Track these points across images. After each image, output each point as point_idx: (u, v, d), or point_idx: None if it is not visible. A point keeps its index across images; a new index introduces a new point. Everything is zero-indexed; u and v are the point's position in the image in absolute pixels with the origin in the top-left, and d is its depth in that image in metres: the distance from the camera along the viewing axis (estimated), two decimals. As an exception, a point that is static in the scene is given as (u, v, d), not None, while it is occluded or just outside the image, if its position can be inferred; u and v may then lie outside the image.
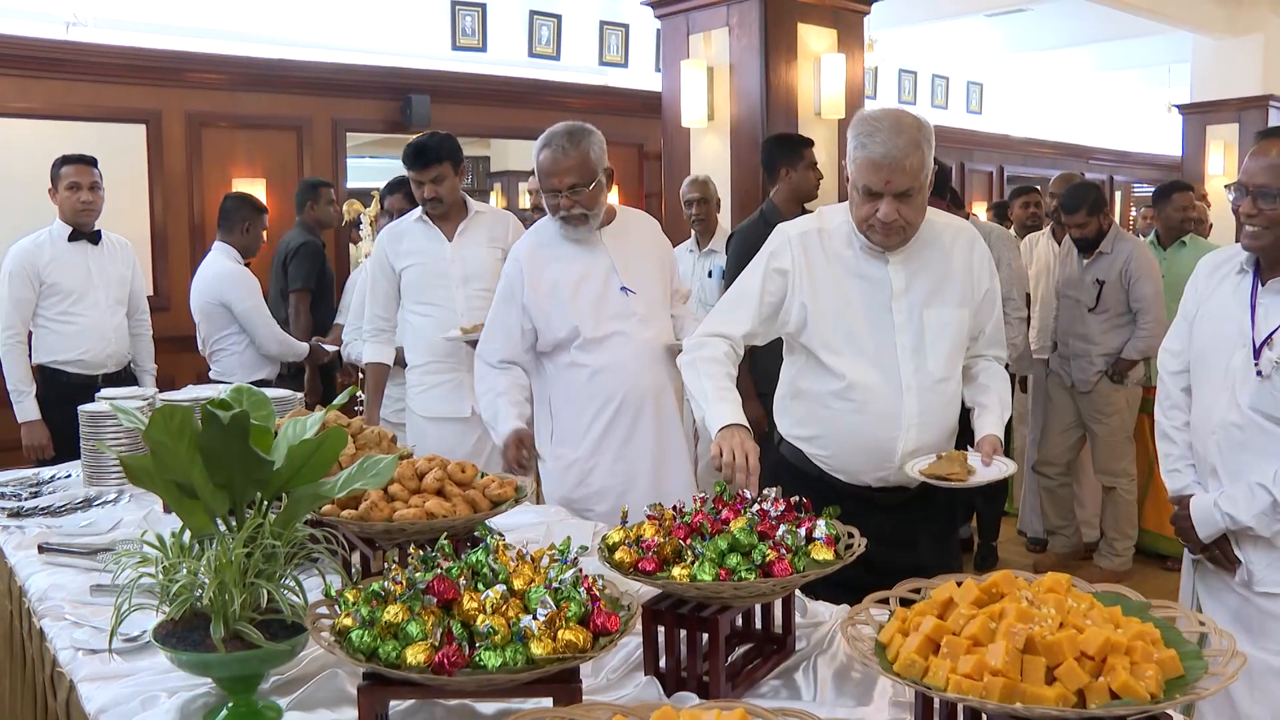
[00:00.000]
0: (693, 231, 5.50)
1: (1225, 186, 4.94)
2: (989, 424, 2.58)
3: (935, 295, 2.57)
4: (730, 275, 4.78)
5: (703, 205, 5.40)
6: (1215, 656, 1.52)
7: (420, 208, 4.01)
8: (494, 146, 12.35)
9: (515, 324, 3.23)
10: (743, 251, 4.69)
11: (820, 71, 5.72)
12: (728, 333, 2.63)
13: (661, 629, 1.86)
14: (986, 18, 11.42)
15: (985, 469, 2.42)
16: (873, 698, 1.82)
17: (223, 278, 5.13)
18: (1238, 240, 2.74)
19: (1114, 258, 5.37)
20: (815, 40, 5.75)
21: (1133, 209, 15.36)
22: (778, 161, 4.83)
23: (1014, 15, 11.19)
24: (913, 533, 2.64)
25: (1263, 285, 2.58)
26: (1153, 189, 11.35)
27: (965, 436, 2.60)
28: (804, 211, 4.78)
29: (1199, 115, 10.95)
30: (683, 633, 1.84)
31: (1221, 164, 10.70)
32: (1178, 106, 11.35)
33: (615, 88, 9.62)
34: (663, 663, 1.88)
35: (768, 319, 2.61)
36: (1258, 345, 2.54)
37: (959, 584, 1.60)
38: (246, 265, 5.25)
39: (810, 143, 4.90)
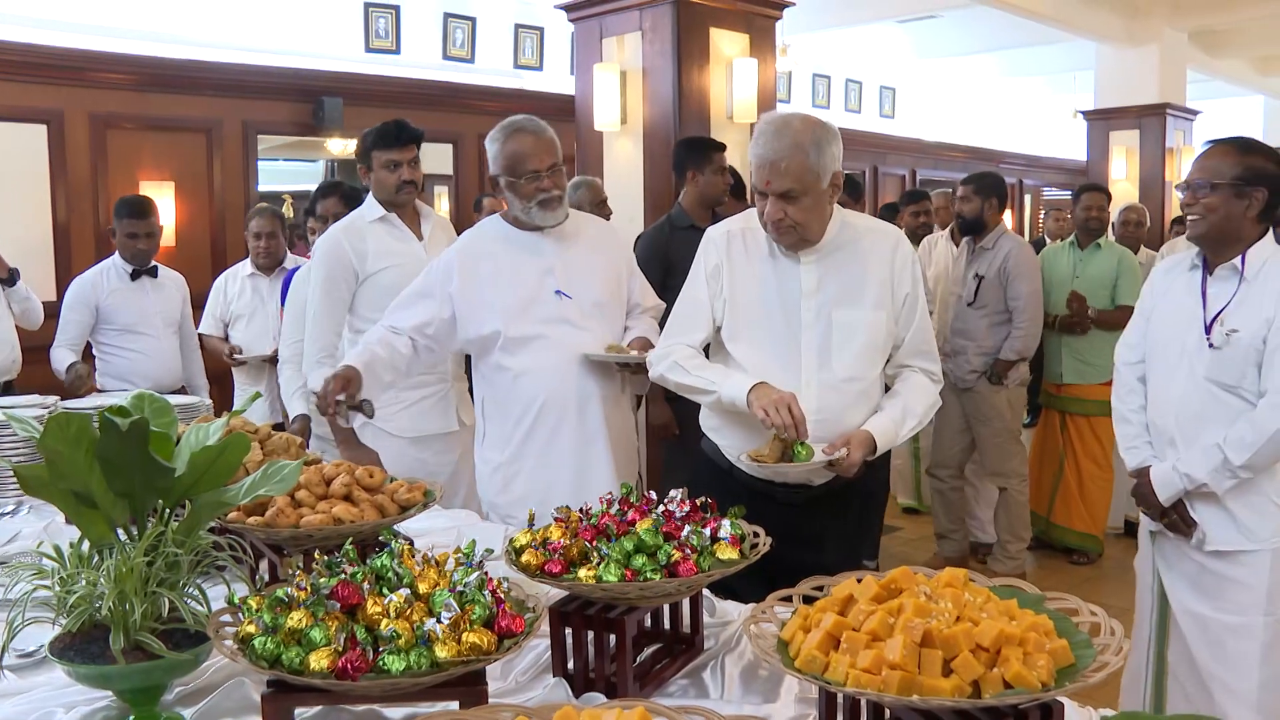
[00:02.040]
0: None
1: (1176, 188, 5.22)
2: (870, 422, 2.61)
3: (847, 297, 2.62)
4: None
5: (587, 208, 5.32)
6: (1106, 644, 1.57)
7: (363, 207, 3.86)
8: (409, 149, 12.24)
9: (435, 308, 3.14)
10: (647, 255, 4.69)
11: (732, 76, 5.77)
12: (687, 342, 2.73)
13: (569, 630, 1.87)
14: (898, 23, 11.62)
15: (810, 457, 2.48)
16: (779, 694, 1.84)
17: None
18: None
19: (995, 253, 5.52)
20: (728, 45, 5.80)
21: (1041, 211, 15.71)
22: (686, 165, 4.80)
23: (925, 21, 11.40)
24: (817, 531, 2.68)
25: (1210, 275, 2.96)
26: (1063, 192, 11.62)
27: None
28: (713, 215, 4.82)
29: (1102, 121, 11.24)
30: (590, 634, 1.85)
31: (1124, 169, 11.00)
32: (1082, 112, 11.62)
33: (530, 91, 9.60)
34: (571, 664, 1.88)
35: (714, 320, 2.72)
36: (1208, 323, 2.90)
37: (859, 581, 1.63)
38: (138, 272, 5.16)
39: (720, 146, 4.89)
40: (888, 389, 2.75)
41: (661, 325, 3.02)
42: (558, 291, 3.14)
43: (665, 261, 4.70)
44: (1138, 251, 6.59)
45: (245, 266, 5.69)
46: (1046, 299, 6.01)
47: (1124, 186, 10.90)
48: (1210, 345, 2.88)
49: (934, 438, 5.94)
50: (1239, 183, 2.87)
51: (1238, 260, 2.90)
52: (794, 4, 6.18)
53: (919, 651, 1.45)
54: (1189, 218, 2.94)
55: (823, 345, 2.61)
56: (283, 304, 5.15)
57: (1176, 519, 2.98)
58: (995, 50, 12.51)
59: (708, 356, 2.77)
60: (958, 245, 5.94)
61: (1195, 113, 11.45)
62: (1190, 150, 11.28)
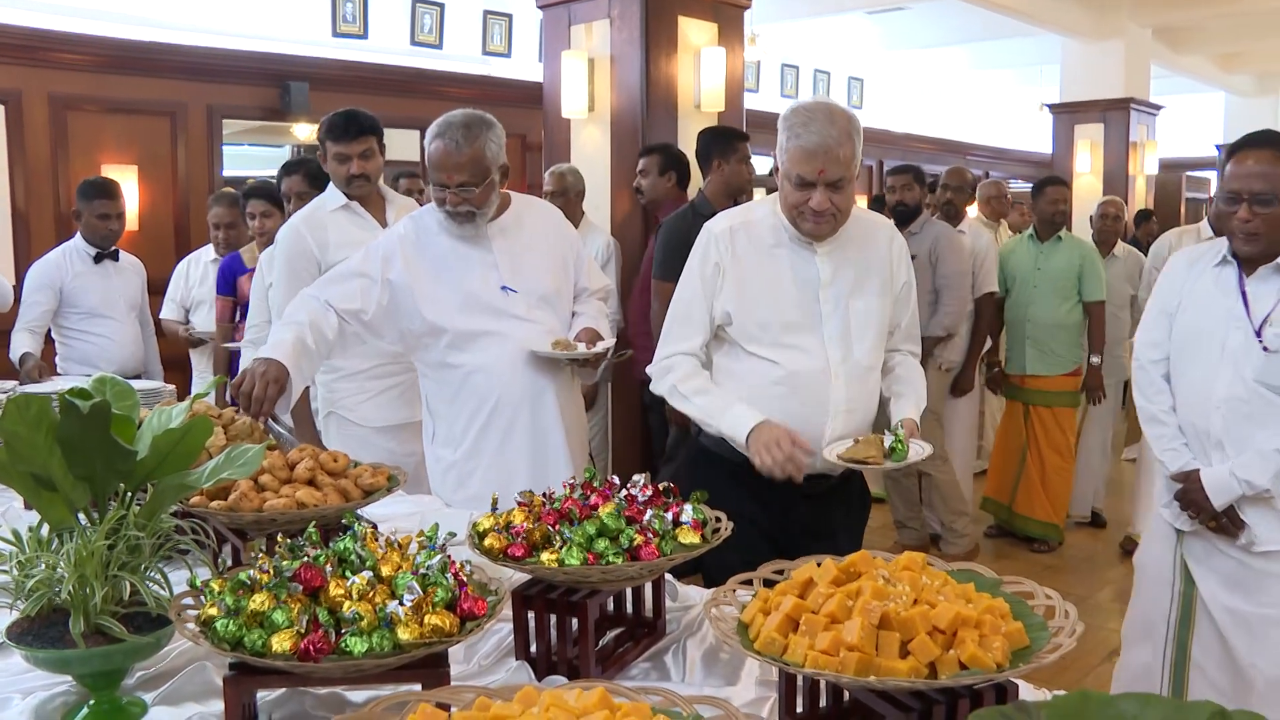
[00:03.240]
0: None
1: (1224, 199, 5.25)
2: (905, 409, 2.66)
3: (860, 286, 2.65)
4: (660, 265, 4.79)
5: (559, 197, 5.32)
6: (1060, 627, 1.59)
7: (325, 195, 3.80)
8: (376, 135, 12.18)
9: (374, 292, 3.01)
10: (671, 243, 4.74)
11: (700, 65, 5.77)
12: (687, 349, 2.70)
13: (532, 614, 1.88)
14: (867, 14, 11.67)
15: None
16: (740, 677, 1.85)
17: None
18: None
19: (922, 238, 5.62)
20: (696, 33, 5.80)
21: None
22: (711, 153, 4.85)
23: (893, 13, 11.45)
24: (830, 524, 2.71)
25: (1248, 275, 2.85)
26: (1027, 185, 11.72)
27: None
28: (736, 204, 4.84)
29: (1068, 115, 11.33)
30: (553, 617, 1.86)
31: (1088, 162, 11.10)
32: (1048, 106, 11.72)
33: (498, 78, 9.58)
34: (534, 648, 1.90)
35: (713, 320, 2.69)
36: (1258, 325, 2.80)
37: (819, 564, 1.65)
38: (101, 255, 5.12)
39: (745, 137, 4.95)
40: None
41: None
42: (504, 287, 3.07)
43: (689, 248, 4.72)
44: (1115, 245, 6.65)
45: (208, 252, 5.67)
46: (1008, 293, 6.08)
47: (1088, 180, 11.01)
48: (1265, 348, 2.78)
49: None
50: None
51: None
52: (763, -7, 6.20)
53: (876, 633, 1.47)
54: (1245, 231, 2.78)
55: (844, 335, 2.63)
56: (219, 292, 5.13)
57: (1225, 522, 2.89)
58: (963, 43, 12.60)
59: (708, 359, 2.75)
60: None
61: (1158, 107, 11.57)
62: (1153, 144, 11.41)
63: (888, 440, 2.48)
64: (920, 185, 5.77)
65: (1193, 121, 16.35)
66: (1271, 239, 2.77)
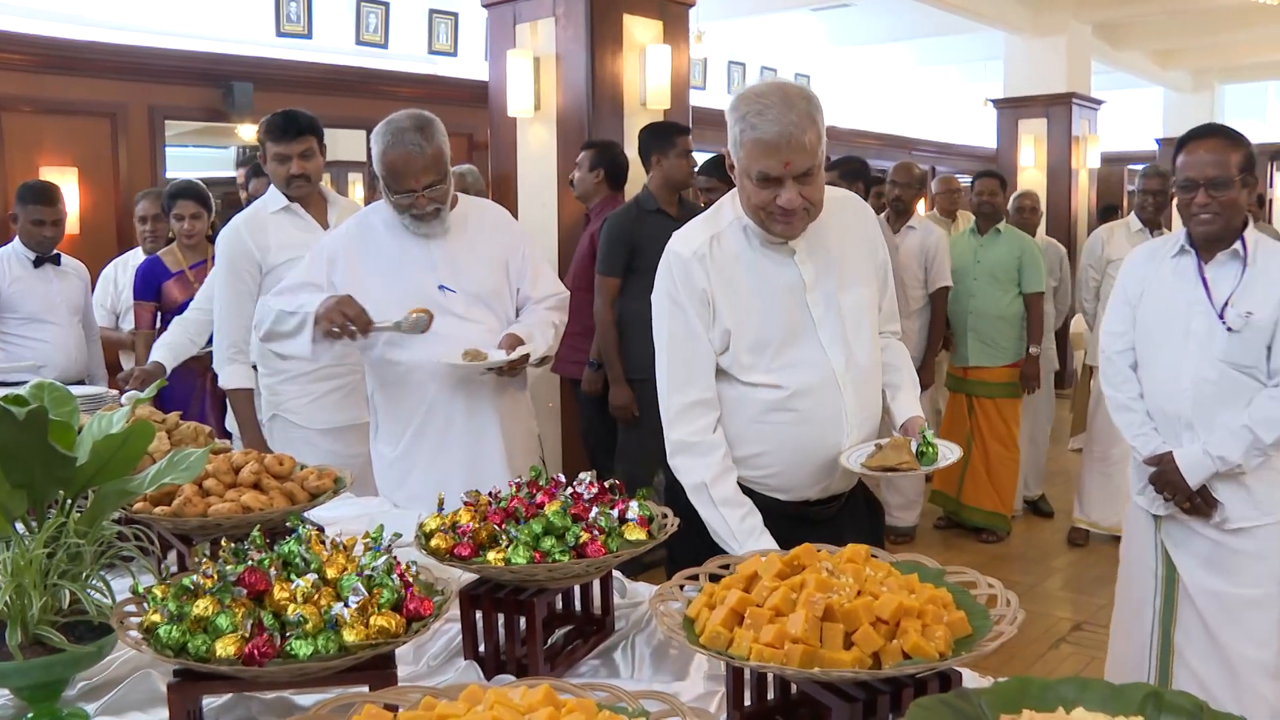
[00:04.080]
0: None
1: (1144, 190, 5.32)
2: (908, 404, 2.48)
3: (847, 278, 2.39)
4: (602, 260, 4.80)
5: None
6: (1002, 615, 1.62)
7: (266, 196, 3.76)
8: (322, 136, 12.09)
9: (321, 298, 3.01)
10: (613, 237, 4.76)
11: (646, 62, 5.78)
12: (699, 397, 2.35)
13: (479, 613, 1.88)
14: (813, 11, 11.71)
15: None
16: (689, 672, 1.87)
17: None
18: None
19: None
20: (641, 31, 5.81)
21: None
22: (650, 150, 4.86)
23: (839, 9, 11.51)
24: (841, 543, 2.48)
25: (1205, 262, 3.00)
26: (967, 178, 11.86)
27: None
28: (680, 199, 4.84)
29: (1011, 110, 11.44)
30: (500, 616, 1.86)
31: (1032, 156, 11.22)
32: (992, 101, 11.83)
33: (444, 77, 9.52)
34: (482, 647, 1.90)
35: (714, 357, 2.36)
36: (1219, 308, 2.95)
37: (763, 558, 1.66)
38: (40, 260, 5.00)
39: (684, 130, 4.94)
40: None
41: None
42: (441, 286, 3.07)
43: (631, 245, 4.77)
44: (1034, 236, 6.75)
45: (135, 255, 5.47)
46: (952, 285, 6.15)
47: (1032, 174, 11.14)
48: (1228, 329, 2.92)
49: None
50: (1243, 173, 2.93)
51: (1238, 246, 2.96)
52: (707, -9, 6.22)
53: (821, 625, 1.48)
54: (1203, 216, 2.94)
55: (841, 337, 2.35)
56: (135, 296, 4.98)
57: (1200, 501, 3.01)
58: (907, 39, 12.69)
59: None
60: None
61: (1100, 102, 11.72)
62: (1095, 139, 11.56)
63: (914, 444, 2.26)
64: (848, 181, 5.74)
65: (1133, 116, 16.62)
66: (1228, 219, 2.93)
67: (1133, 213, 5.97)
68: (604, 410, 4.98)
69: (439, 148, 2.98)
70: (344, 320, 2.87)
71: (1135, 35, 13.00)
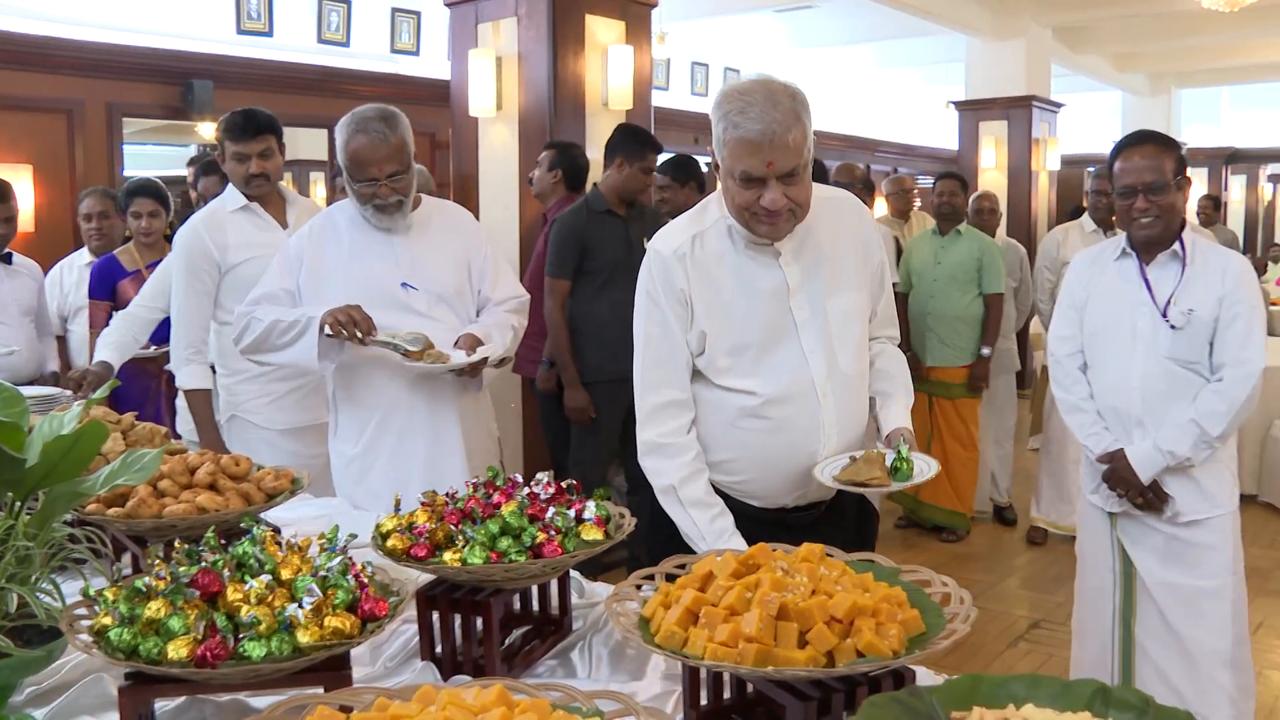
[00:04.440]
0: None
1: (1096, 191, 5.41)
2: (896, 415, 2.38)
3: (835, 282, 2.31)
4: (552, 261, 4.76)
5: None
6: (956, 613, 1.63)
7: (224, 195, 3.72)
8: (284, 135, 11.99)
9: (288, 299, 3.08)
10: (564, 237, 4.72)
11: (608, 63, 5.78)
12: (675, 397, 2.32)
13: (436, 614, 1.87)
14: (775, 13, 11.77)
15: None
16: (646, 672, 1.87)
17: None
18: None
19: None
20: (603, 32, 5.81)
21: (916, 201, 16.08)
22: (619, 152, 4.79)
23: (801, 11, 11.56)
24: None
25: (1147, 264, 3.10)
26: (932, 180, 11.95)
27: None
28: (623, 205, 4.82)
29: (973, 112, 11.54)
30: (457, 617, 1.86)
31: (993, 158, 11.32)
32: (954, 103, 11.92)
33: (407, 76, 9.49)
34: (439, 648, 1.89)
35: (689, 357, 2.33)
36: (1163, 308, 3.04)
37: (719, 558, 1.67)
38: None
39: (658, 148, 4.86)
40: None
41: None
42: (404, 284, 3.08)
43: (583, 244, 4.74)
44: (993, 237, 6.80)
45: (82, 255, 5.32)
46: (912, 287, 6.19)
47: (993, 175, 11.24)
48: (1172, 326, 3.01)
49: None
50: (1178, 176, 3.03)
51: (1177, 247, 3.06)
52: (670, -9, 6.22)
53: (775, 624, 1.49)
54: (1143, 220, 3.02)
55: (825, 344, 2.28)
56: (91, 295, 4.87)
57: (1152, 496, 3.09)
58: (870, 41, 12.76)
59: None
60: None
61: (1059, 105, 11.84)
62: (1055, 141, 11.68)
63: (889, 457, 2.19)
64: (681, 183, 5.82)
65: (1092, 119, 16.80)
66: (1167, 222, 3.02)
67: (1086, 214, 6.03)
68: (562, 409, 4.98)
69: (402, 138, 3.00)
70: (350, 320, 2.88)
71: (1094, 39, 13.15)
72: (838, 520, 2.44)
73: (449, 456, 3.13)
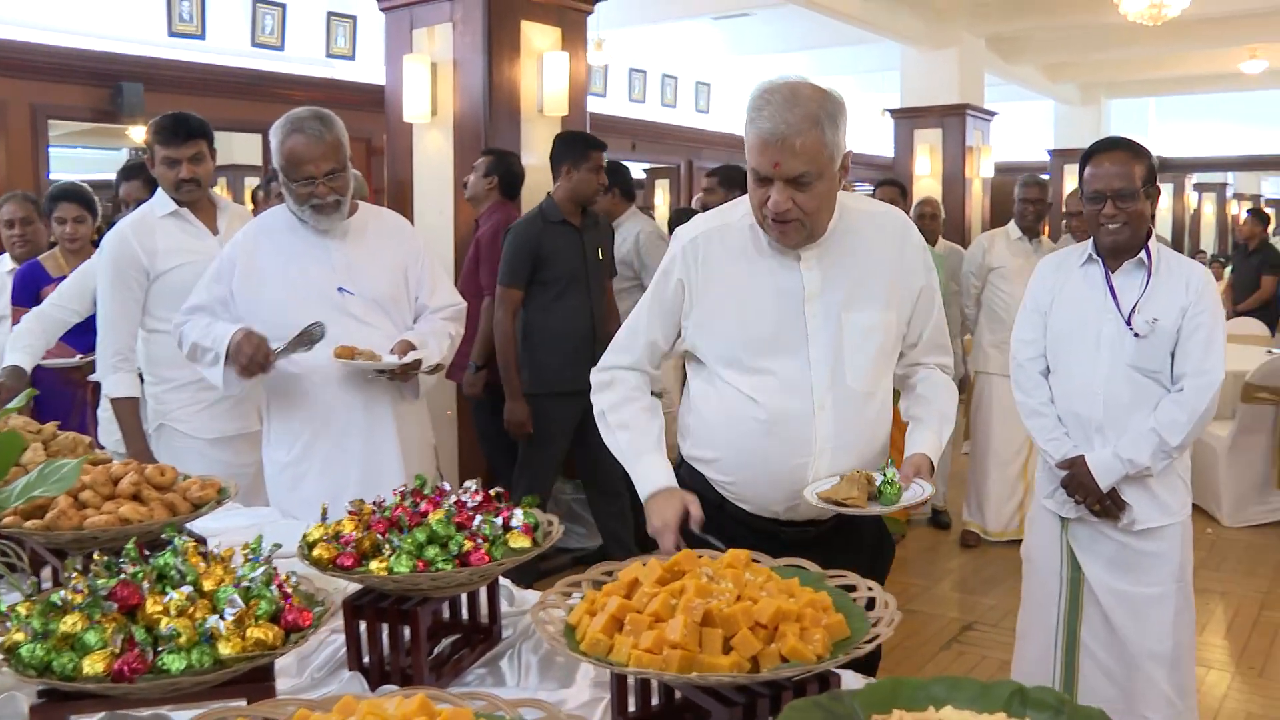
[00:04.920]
0: None
1: (1025, 200, 5.48)
2: (919, 441, 2.31)
3: (856, 296, 2.23)
4: (505, 271, 4.74)
5: None
6: (880, 617, 1.65)
7: (154, 200, 3.65)
8: (218, 139, 11.83)
9: (222, 305, 3.07)
10: (517, 247, 4.70)
11: (543, 69, 5.77)
12: (629, 363, 2.37)
13: (363, 624, 1.86)
14: (713, 20, 11.83)
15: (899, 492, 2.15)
16: (575, 680, 1.87)
17: None
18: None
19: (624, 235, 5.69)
20: (539, 38, 5.80)
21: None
22: (563, 159, 4.79)
23: (738, 19, 11.63)
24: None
25: (1112, 271, 3.08)
26: (871, 188, 12.09)
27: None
28: (584, 212, 4.82)
29: (908, 120, 11.68)
30: (385, 626, 1.84)
31: (927, 165, 11.46)
32: (889, 111, 12.05)
33: (343, 81, 9.43)
34: (367, 658, 1.88)
35: (667, 338, 2.35)
36: (1127, 315, 3.03)
37: (644, 564, 1.67)
38: None
39: (599, 145, 4.87)
40: (896, 393, 2.43)
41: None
42: (341, 289, 3.07)
43: (536, 254, 4.72)
44: (935, 244, 6.88)
45: (4, 261, 5.13)
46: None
47: (928, 182, 11.37)
48: (1136, 335, 3.01)
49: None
50: (1147, 184, 3.02)
51: (1143, 255, 3.05)
52: (605, -2, 6.24)
53: (700, 631, 1.50)
54: (1111, 226, 3.02)
55: (834, 356, 2.21)
56: (14, 302, 4.68)
57: (1110, 504, 3.09)
58: (806, 49, 12.86)
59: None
60: None
61: (993, 114, 12.02)
62: (988, 149, 11.85)
63: (878, 479, 2.15)
64: (725, 189, 5.88)
65: (1025, 128, 17.08)
66: (1134, 229, 3.02)
67: (1012, 220, 6.11)
68: (494, 414, 4.96)
69: (338, 137, 3.00)
70: (249, 360, 2.92)
71: (1026, 49, 13.36)
72: (850, 545, 2.33)
73: (384, 464, 3.10)
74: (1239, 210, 19.57)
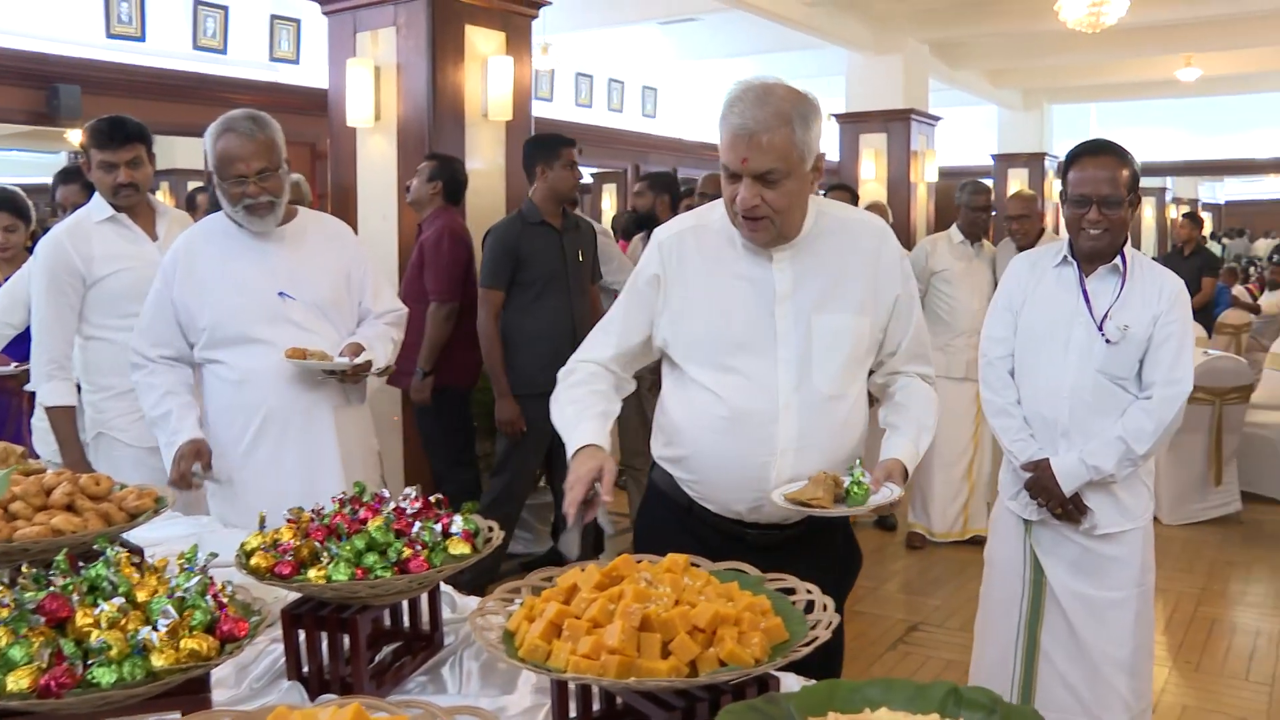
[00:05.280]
0: None
1: (972, 207, 5.50)
2: (894, 447, 2.30)
3: (829, 299, 2.24)
4: (486, 273, 4.75)
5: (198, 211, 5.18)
6: (819, 619, 1.66)
7: (90, 205, 3.59)
8: (159, 143, 11.64)
9: (171, 317, 3.04)
10: (499, 249, 4.71)
11: (488, 73, 5.76)
12: (595, 357, 2.36)
13: (302, 633, 1.84)
14: (659, 25, 11.85)
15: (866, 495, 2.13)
16: (517, 686, 1.86)
17: None
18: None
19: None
20: (483, 42, 5.79)
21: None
22: (535, 161, 4.81)
23: (685, 24, 11.67)
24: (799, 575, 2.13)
25: (1087, 275, 3.05)
26: (818, 192, 12.15)
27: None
28: (563, 211, 4.82)
29: (853, 125, 11.77)
30: (324, 635, 1.83)
31: (873, 169, 11.55)
32: (835, 116, 12.14)
33: (286, 85, 9.33)
34: (306, 667, 1.86)
35: (639, 335, 2.34)
36: (1099, 320, 3.00)
37: (583, 569, 1.67)
38: None
39: (569, 142, 4.88)
40: (873, 400, 2.42)
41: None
42: (281, 293, 3.03)
43: (516, 256, 4.73)
44: None
45: None
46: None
47: (873, 186, 11.46)
48: (1107, 340, 2.98)
49: (621, 425, 6.00)
50: (1132, 192, 2.99)
51: (1118, 260, 3.02)
52: (550, 3, 6.22)
53: (638, 635, 1.50)
54: (1093, 232, 2.98)
55: (802, 358, 2.21)
56: None
57: (1071, 508, 3.07)
58: (753, 54, 12.91)
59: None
60: None
61: (937, 119, 12.15)
62: (932, 154, 11.97)
63: (845, 480, 2.13)
64: (655, 192, 5.98)
65: (969, 133, 17.28)
66: (1114, 236, 3.00)
67: (954, 225, 6.17)
68: (439, 419, 4.94)
69: (271, 138, 2.98)
70: (178, 478, 2.98)
71: (970, 55, 13.53)
72: (819, 550, 2.35)
73: (326, 474, 3.06)
74: (1177, 214, 19.94)
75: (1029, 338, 3.15)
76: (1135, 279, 3.03)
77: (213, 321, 3.00)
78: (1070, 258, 3.10)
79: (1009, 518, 3.27)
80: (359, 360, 2.98)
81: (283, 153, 3.04)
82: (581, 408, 2.25)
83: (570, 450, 2.17)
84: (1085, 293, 3.05)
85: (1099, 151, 3.01)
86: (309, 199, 5.51)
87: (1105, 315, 3.00)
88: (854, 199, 6.44)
